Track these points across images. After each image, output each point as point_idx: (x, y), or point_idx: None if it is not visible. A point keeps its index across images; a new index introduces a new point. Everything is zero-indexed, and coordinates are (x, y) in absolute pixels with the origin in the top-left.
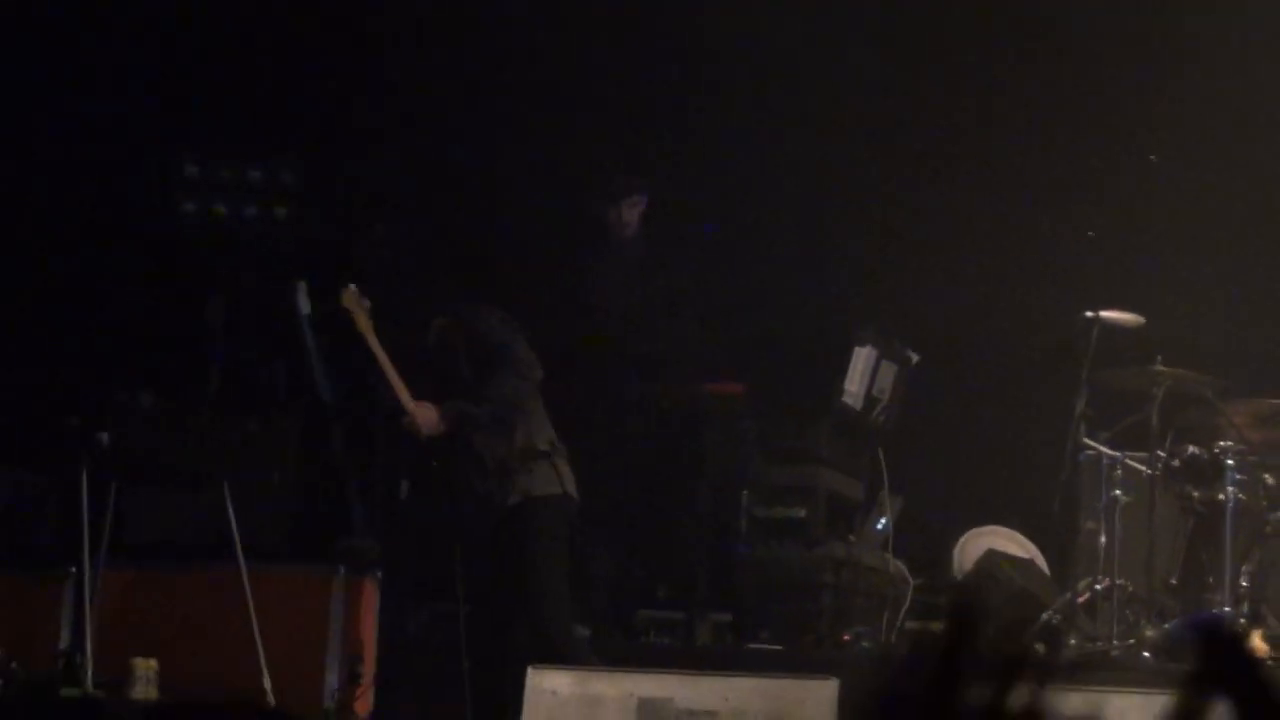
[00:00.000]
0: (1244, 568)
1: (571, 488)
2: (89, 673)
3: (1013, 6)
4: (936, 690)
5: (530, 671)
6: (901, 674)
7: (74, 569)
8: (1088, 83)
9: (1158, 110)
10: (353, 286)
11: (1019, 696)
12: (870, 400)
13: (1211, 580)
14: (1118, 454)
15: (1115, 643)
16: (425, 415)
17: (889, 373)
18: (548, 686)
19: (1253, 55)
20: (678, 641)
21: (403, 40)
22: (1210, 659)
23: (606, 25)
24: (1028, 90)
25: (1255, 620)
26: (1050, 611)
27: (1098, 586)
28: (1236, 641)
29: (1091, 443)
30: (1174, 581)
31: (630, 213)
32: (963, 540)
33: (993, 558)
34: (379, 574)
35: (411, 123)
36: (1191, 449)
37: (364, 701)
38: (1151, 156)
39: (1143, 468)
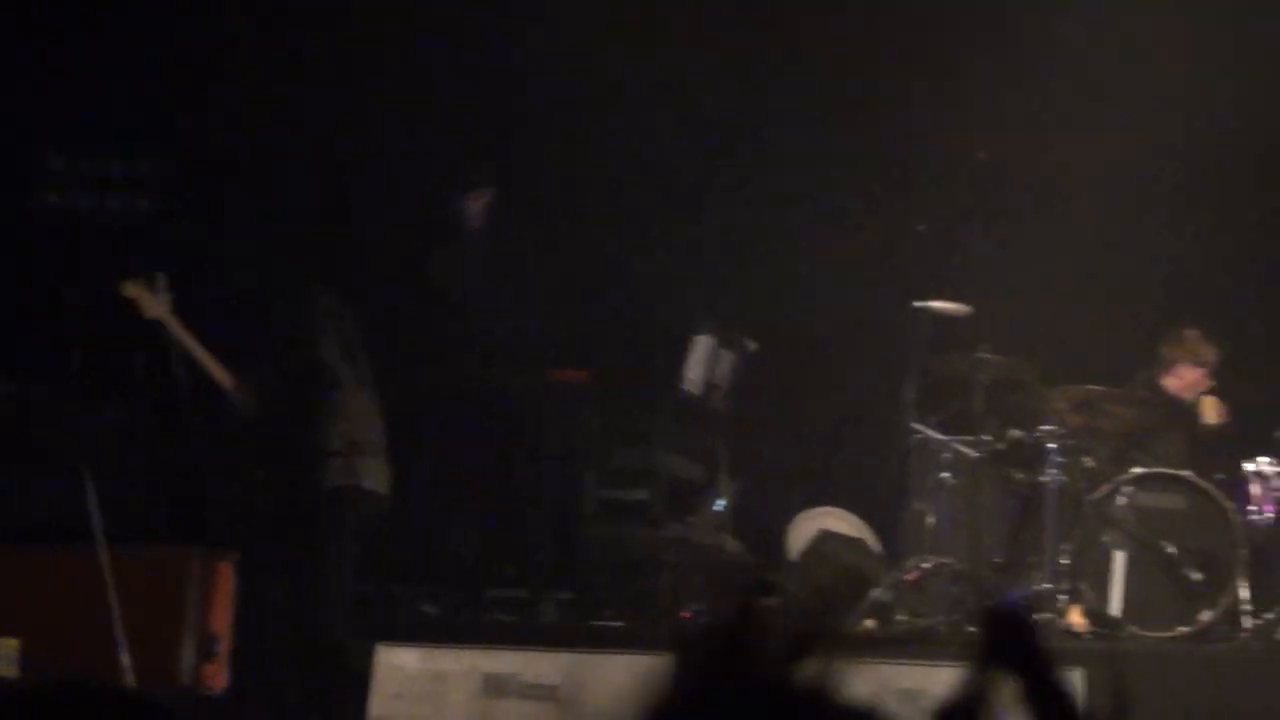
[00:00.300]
0: (1064, 546)
1: (371, 483)
2: None
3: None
4: (725, 664)
5: (379, 647)
6: (694, 648)
7: None
8: (917, 79)
9: (985, 108)
10: (138, 277)
11: (809, 670)
12: (709, 387)
13: (1033, 559)
14: (945, 438)
15: (942, 618)
16: (246, 397)
17: (727, 360)
18: (396, 662)
19: (1073, 56)
20: (523, 619)
21: (258, 33)
22: (997, 639)
23: (454, 18)
24: (860, 85)
25: (1074, 597)
26: (880, 588)
27: (925, 565)
28: (1023, 624)
29: (920, 427)
30: (998, 560)
31: (474, 204)
32: (797, 520)
33: (825, 537)
34: (235, 554)
35: (268, 115)
36: (1015, 433)
37: (219, 678)
38: (980, 154)
39: (969, 451)
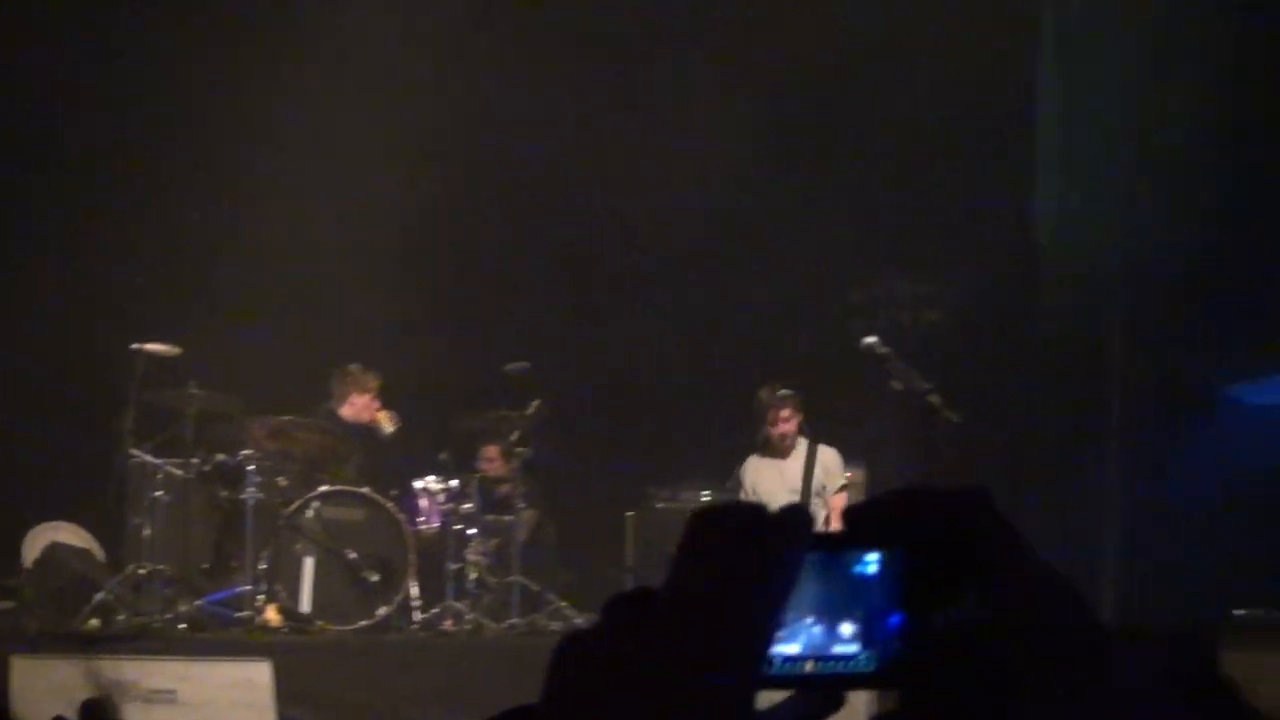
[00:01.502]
0: (262, 553)
1: None
2: None
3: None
4: None
5: None
6: None
7: None
8: (138, 142)
9: (204, 172)
10: None
11: None
12: None
13: (236, 564)
14: (159, 461)
15: (157, 617)
16: None
17: None
18: None
19: (289, 134)
20: None
21: None
22: None
23: None
24: (112, 142)
25: (271, 597)
26: (104, 592)
27: (142, 571)
28: None
29: (137, 452)
30: (205, 566)
31: None
32: (31, 534)
33: (56, 549)
34: None
35: None
36: (220, 456)
37: None
38: (195, 214)
39: (179, 472)
